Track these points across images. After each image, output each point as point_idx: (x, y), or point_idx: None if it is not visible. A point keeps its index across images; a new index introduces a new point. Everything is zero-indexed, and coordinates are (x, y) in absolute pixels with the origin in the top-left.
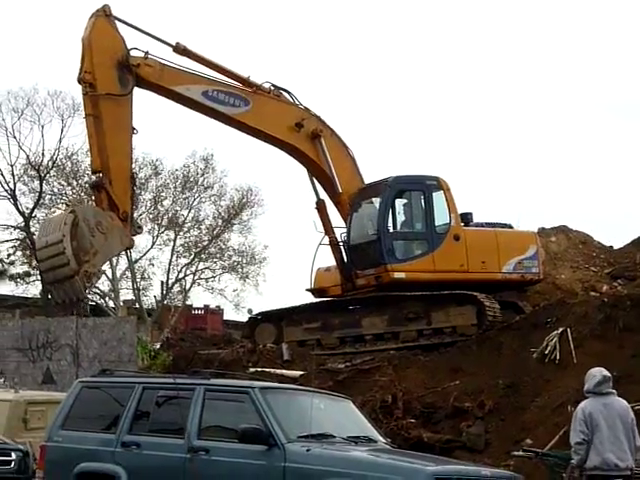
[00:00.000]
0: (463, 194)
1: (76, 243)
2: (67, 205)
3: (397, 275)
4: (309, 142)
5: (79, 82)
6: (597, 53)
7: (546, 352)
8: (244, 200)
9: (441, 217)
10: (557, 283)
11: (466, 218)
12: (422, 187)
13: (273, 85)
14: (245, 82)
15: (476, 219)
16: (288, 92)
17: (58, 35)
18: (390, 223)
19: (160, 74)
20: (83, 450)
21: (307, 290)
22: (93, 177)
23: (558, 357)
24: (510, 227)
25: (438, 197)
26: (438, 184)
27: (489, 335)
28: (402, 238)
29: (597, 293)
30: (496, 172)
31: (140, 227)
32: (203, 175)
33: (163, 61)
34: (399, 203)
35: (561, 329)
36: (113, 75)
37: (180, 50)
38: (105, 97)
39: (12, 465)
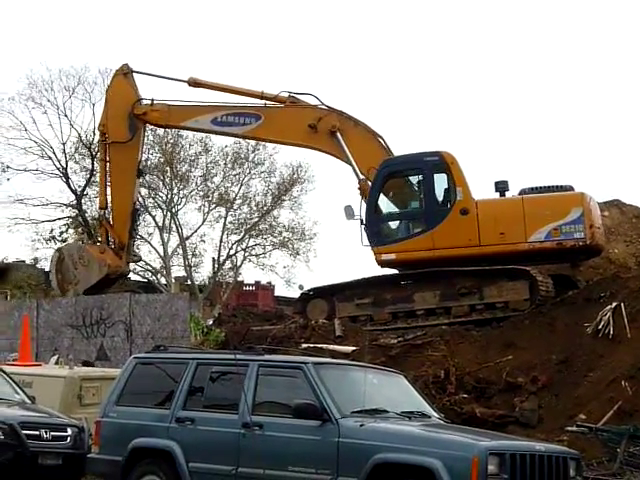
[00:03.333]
0: (518, 167)
1: (61, 275)
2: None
3: (385, 257)
4: (327, 139)
5: (98, 129)
6: None
7: (600, 327)
8: (294, 176)
9: (444, 192)
10: (610, 257)
11: (500, 187)
12: (419, 165)
13: (290, 93)
14: (260, 96)
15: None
16: (311, 94)
17: (109, 14)
18: (381, 206)
19: (167, 115)
20: (138, 425)
21: None
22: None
23: (612, 332)
24: (570, 189)
25: (441, 172)
26: (440, 159)
27: (542, 310)
28: (391, 219)
29: None
30: (551, 147)
31: (136, 255)
32: (254, 152)
33: (170, 102)
34: (392, 184)
35: (615, 304)
36: (124, 125)
37: (193, 84)
38: (113, 145)
39: (68, 441)
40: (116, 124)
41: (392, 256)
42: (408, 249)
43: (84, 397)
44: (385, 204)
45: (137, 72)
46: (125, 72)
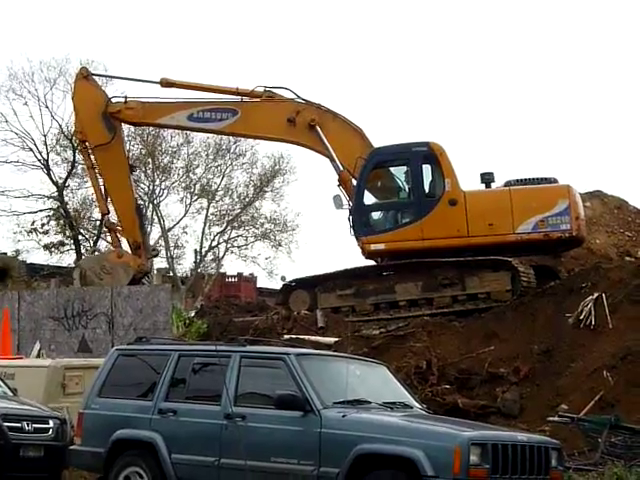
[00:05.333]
0: (500, 158)
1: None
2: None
3: (374, 247)
4: (307, 133)
5: (75, 138)
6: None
7: (581, 317)
8: (276, 167)
9: (432, 183)
10: (592, 248)
11: (486, 178)
12: (407, 155)
13: (266, 88)
14: (235, 93)
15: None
16: (287, 88)
17: (90, 5)
18: (369, 196)
19: (142, 112)
20: (120, 417)
21: None
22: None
23: (593, 322)
24: (554, 181)
25: (429, 163)
26: (429, 149)
27: (524, 301)
28: (380, 210)
29: (632, 258)
30: (532, 138)
31: (155, 250)
32: (235, 143)
33: (144, 99)
34: (380, 174)
35: (596, 294)
36: (100, 127)
37: (166, 84)
38: (97, 148)
39: (50, 432)
40: (93, 128)
41: (381, 246)
42: (397, 239)
43: (67, 386)
44: (373, 194)
45: (98, 75)
46: (85, 75)
